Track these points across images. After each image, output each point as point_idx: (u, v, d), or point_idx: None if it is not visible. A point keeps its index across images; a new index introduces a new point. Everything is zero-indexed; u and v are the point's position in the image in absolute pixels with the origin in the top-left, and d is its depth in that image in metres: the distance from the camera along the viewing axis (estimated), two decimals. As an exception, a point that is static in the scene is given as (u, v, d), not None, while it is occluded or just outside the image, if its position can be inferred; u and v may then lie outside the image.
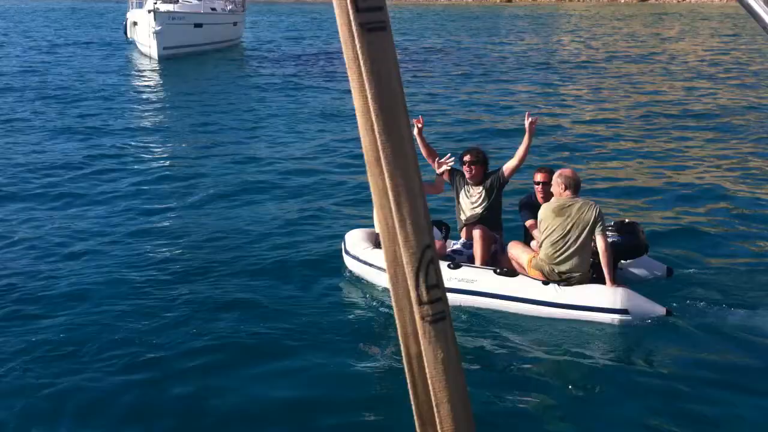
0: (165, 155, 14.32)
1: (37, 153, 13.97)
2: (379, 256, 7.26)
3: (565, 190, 6.94)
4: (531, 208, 7.64)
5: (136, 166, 13.10)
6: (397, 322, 1.27)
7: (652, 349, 6.57)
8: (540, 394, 5.80)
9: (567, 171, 7.22)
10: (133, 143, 15.19)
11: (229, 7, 38.34)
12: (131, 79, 26.60)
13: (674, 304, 6.90)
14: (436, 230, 7.95)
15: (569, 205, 6.88)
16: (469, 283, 7.04)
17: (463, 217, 7.95)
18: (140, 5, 34.20)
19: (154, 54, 30.15)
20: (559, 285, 6.91)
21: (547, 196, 7.32)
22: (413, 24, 56.06)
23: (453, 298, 6.70)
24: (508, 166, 7.75)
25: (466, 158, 7.84)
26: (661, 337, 6.62)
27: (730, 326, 6.72)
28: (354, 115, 1.23)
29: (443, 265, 7.04)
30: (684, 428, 5.33)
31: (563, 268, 6.92)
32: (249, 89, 23.35)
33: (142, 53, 32.52)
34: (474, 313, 6.98)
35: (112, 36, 42.23)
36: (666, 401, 5.70)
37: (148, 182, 11.89)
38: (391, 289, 1.27)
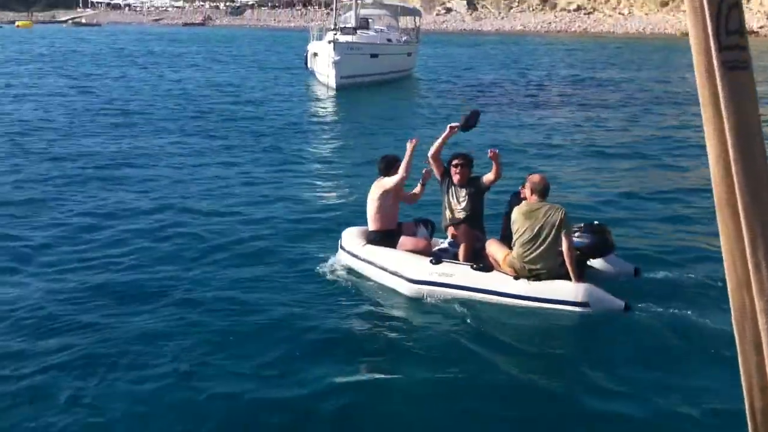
0: (337, 177, 14.78)
1: (222, 166, 15.01)
2: (372, 252, 8.33)
3: (531, 195, 7.66)
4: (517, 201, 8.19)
5: (308, 184, 13.88)
6: (742, 376, 1.20)
7: (609, 339, 7.19)
8: (505, 380, 6.38)
9: (535, 177, 7.84)
10: (306, 165, 15.93)
11: (404, 38, 39.20)
12: (309, 105, 27.98)
13: (639, 305, 7.45)
14: (422, 228, 8.76)
15: (537, 209, 7.55)
16: (449, 277, 7.78)
17: (449, 217, 8.59)
18: (320, 37, 35.69)
19: (332, 83, 31.16)
20: (528, 280, 7.58)
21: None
22: (591, 54, 55.15)
23: (433, 291, 7.79)
24: (487, 178, 8.47)
25: (455, 162, 8.55)
26: (619, 329, 7.24)
27: (685, 322, 7.24)
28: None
29: (425, 260, 7.97)
30: (626, 412, 5.86)
31: (533, 265, 7.58)
32: (419, 118, 23.67)
33: (320, 82, 33.78)
34: (452, 304, 7.65)
35: (294, 64, 44.29)
36: (615, 386, 6.24)
37: (318, 206, 12.19)
38: (737, 340, 1.20)
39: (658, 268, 8.73)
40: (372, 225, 8.62)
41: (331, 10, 41.97)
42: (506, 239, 8.04)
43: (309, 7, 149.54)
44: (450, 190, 8.62)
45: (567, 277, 7.54)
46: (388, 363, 6.74)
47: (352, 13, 37.47)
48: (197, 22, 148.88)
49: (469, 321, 7.38)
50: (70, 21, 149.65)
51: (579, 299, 7.40)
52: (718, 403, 5.90)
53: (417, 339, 7.13)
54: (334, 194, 13.28)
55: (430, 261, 7.96)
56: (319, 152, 17.67)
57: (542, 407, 5.99)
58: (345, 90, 30.80)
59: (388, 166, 8.66)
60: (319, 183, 14.30)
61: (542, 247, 7.49)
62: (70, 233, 10.38)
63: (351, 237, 8.71)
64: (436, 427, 5.75)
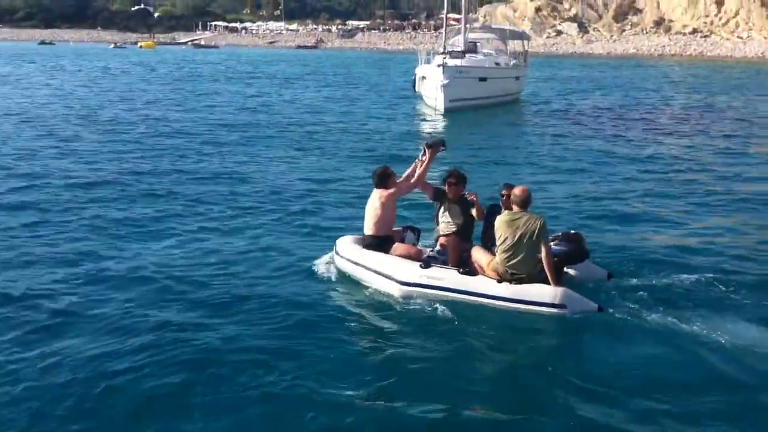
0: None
1: (325, 170, 15.23)
2: (367, 256, 8.93)
3: (514, 206, 8.35)
4: (494, 214, 8.88)
5: None
6: None
7: (584, 339, 7.77)
8: (487, 377, 6.91)
9: (517, 190, 8.45)
10: None
11: (513, 62, 38.96)
12: (416, 127, 28.02)
13: (610, 309, 8.10)
14: (410, 233, 9.52)
15: (518, 218, 8.24)
16: (437, 280, 8.38)
17: (441, 229, 9.27)
18: (428, 61, 35.91)
19: (440, 106, 31.21)
20: (510, 283, 8.19)
21: (508, 207, 8.62)
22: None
23: (422, 293, 8.39)
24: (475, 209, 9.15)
25: (449, 179, 9.29)
26: (592, 330, 7.83)
27: (654, 324, 7.82)
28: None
29: (415, 264, 8.58)
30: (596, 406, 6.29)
31: (514, 270, 8.23)
32: (526, 143, 23.38)
33: (428, 105, 33.92)
34: (439, 305, 8.17)
35: (402, 87, 44.77)
36: (588, 383, 6.66)
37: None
38: None
39: (628, 271, 9.47)
40: (370, 230, 9.18)
41: (440, 33, 42.21)
42: (486, 247, 8.83)
43: (418, 30, 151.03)
44: (443, 206, 9.38)
45: (546, 281, 8.17)
46: (376, 362, 7.11)
47: (460, 36, 37.57)
48: (310, 45, 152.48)
49: (455, 321, 7.92)
50: (189, 43, 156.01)
51: (556, 301, 8.04)
52: (687, 397, 6.49)
53: (405, 337, 7.65)
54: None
55: (420, 265, 8.57)
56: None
57: (520, 402, 6.56)
58: (453, 113, 30.77)
59: (382, 179, 9.28)
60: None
61: (523, 253, 8.20)
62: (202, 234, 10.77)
63: (346, 243, 9.34)
64: (421, 419, 6.06)
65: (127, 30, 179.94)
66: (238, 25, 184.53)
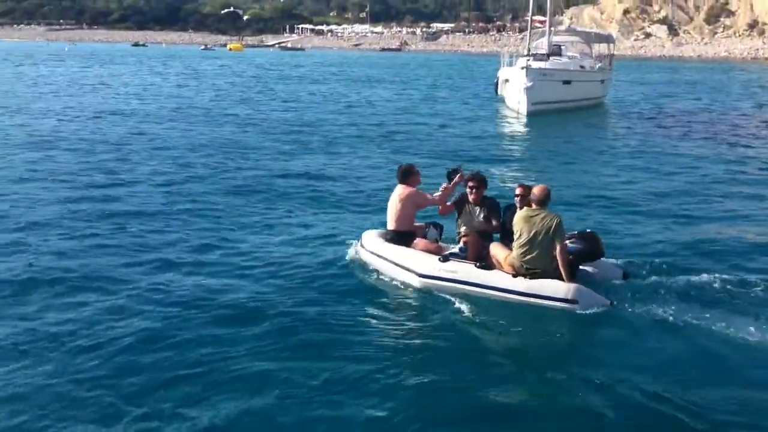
0: None
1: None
2: (389, 249, 9.33)
3: (532, 204, 8.65)
4: (507, 213, 9.41)
5: None
6: None
7: (596, 334, 7.97)
8: (499, 368, 7.07)
9: (536, 189, 8.77)
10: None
11: (598, 65, 38.50)
12: (498, 130, 28.13)
13: (626, 305, 8.32)
14: (432, 229, 9.84)
15: (535, 215, 8.54)
16: (454, 273, 8.74)
17: (463, 229, 9.48)
18: (511, 63, 35.84)
19: (523, 109, 31.14)
20: (525, 278, 8.48)
21: (523, 205, 8.95)
22: None
23: (440, 285, 8.74)
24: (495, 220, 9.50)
25: (470, 183, 9.56)
26: (604, 323, 8.07)
27: (666, 320, 8.01)
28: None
29: (434, 258, 8.97)
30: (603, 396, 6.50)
31: (529, 264, 8.51)
32: (608, 147, 23.10)
33: (510, 108, 33.89)
34: (455, 297, 8.54)
35: (484, 89, 44.80)
36: (599, 376, 6.83)
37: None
38: None
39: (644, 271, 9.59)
40: (392, 225, 9.56)
41: (524, 36, 42.05)
42: (504, 243, 9.07)
43: (503, 33, 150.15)
44: (465, 208, 9.65)
45: (560, 277, 8.43)
46: (392, 350, 7.39)
47: (544, 39, 37.28)
48: (394, 47, 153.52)
49: (472, 313, 8.25)
50: (276, 45, 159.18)
51: (569, 297, 8.28)
52: (695, 391, 6.62)
53: (422, 327, 8.00)
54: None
55: (439, 259, 8.96)
56: (506, 176, 17.77)
57: (531, 393, 6.70)
58: (536, 116, 30.62)
59: (405, 175, 9.67)
60: None
61: (538, 249, 8.48)
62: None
63: (370, 237, 9.78)
64: (434, 404, 6.36)
65: (217, 32, 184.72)
66: (324, 27, 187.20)
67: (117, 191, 14.75)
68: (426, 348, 7.46)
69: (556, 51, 36.44)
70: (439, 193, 9.81)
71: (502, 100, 36.21)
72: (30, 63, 71.85)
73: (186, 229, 11.85)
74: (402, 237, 9.40)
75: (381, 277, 9.32)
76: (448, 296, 8.61)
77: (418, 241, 9.41)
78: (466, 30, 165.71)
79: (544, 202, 8.61)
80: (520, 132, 27.50)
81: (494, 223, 9.48)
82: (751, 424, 6.20)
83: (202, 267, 9.89)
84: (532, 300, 8.39)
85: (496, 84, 37.24)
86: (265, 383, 6.64)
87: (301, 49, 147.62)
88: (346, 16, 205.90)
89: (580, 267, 9.01)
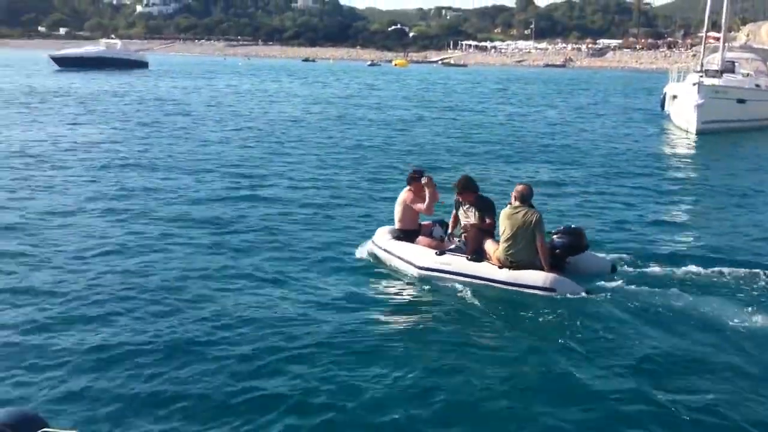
0: (685, 227, 14.02)
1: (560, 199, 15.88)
2: (394, 245, 10.33)
3: (515, 200, 9.52)
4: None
5: (657, 222, 13.94)
6: None
7: (571, 318, 8.50)
8: (486, 351, 7.71)
9: (519, 186, 9.72)
10: (654, 205, 15.80)
11: (775, 84, 36.65)
12: (662, 148, 27.31)
13: (605, 293, 9.14)
14: (438, 227, 10.66)
15: (517, 212, 9.43)
16: (449, 265, 9.70)
17: (461, 226, 10.43)
18: (681, 79, 34.91)
19: (692, 127, 30.08)
20: (509, 269, 9.36)
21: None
22: None
23: (436, 276, 9.69)
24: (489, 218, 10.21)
25: (457, 191, 10.39)
26: (580, 311, 8.68)
27: (643, 309, 8.77)
28: None
29: (432, 252, 9.92)
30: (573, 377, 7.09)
31: (512, 257, 9.41)
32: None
33: (676, 125, 32.98)
34: (449, 286, 9.50)
35: (649, 106, 43.95)
36: (574, 359, 7.49)
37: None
38: None
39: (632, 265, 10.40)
40: (397, 224, 10.68)
41: (697, 52, 40.81)
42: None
43: (673, 49, 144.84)
44: (461, 208, 10.46)
45: (541, 268, 9.32)
46: (389, 330, 8.27)
47: (717, 55, 36.02)
48: (558, 63, 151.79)
49: (461, 299, 9.15)
50: (440, 61, 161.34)
51: (547, 285, 9.16)
52: (665, 375, 7.15)
53: (417, 312, 8.91)
54: (689, 238, 12.89)
55: (436, 253, 9.91)
56: (666, 191, 17.73)
57: (510, 372, 7.25)
58: (705, 135, 29.37)
59: (409, 180, 10.68)
60: (670, 224, 14.09)
61: (521, 243, 9.36)
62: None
63: (381, 233, 10.78)
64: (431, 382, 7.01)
65: (383, 49, 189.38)
66: (487, 44, 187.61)
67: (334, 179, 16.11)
68: (417, 331, 8.32)
69: (729, 68, 34.93)
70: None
71: (668, 117, 35.38)
72: (227, 76, 77.02)
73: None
74: (407, 234, 10.47)
75: (389, 269, 10.31)
76: (443, 285, 9.56)
77: (421, 239, 10.38)
78: (635, 46, 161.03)
79: (525, 199, 9.50)
80: (687, 151, 26.57)
81: (488, 221, 10.20)
82: (727, 412, 6.53)
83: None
84: (515, 288, 9.30)
85: (663, 100, 36.40)
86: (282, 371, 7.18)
87: (464, 65, 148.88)
88: (511, 32, 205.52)
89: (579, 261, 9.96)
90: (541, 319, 8.57)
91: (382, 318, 8.65)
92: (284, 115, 34.89)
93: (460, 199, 10.43)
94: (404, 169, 18.34)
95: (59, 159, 19.73)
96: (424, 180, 10.38)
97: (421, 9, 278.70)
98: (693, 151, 26.63)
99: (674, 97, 33.98)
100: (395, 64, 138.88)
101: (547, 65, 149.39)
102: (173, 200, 14.88)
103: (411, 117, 35.84)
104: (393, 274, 10.14)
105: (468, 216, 10.35)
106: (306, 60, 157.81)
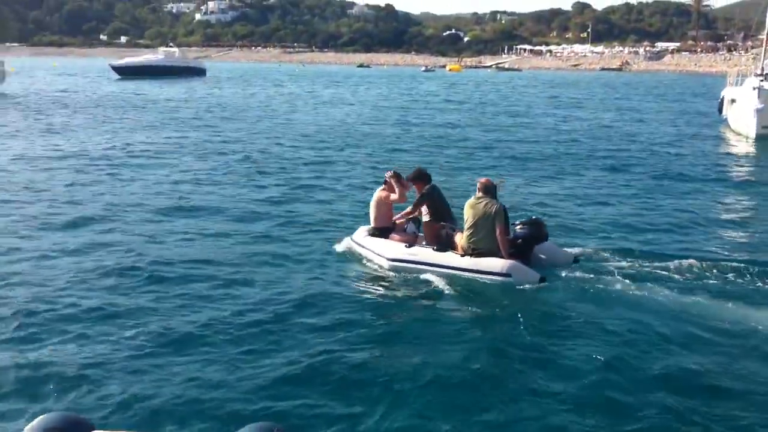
0: (743, 234, 13.70)
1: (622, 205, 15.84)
2: (368, 240, 11.10)
3: (478, 192, 10.21)
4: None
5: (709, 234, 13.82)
6: None
7: (528, 303, 9.22)
8: (444, 332, 8.36)
9: (482, 179, 10.52)
10: (710, 214, 15.47)
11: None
12: (718, 153, 26.56)
13: (561, 282, 9.88)
14: (412, 225, 11.36)
15: (479, 203, 10.07)
16: (415, 256, 10.42)
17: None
18: (739, 83, 34.27)
19: (752, 132, 29.37)
20: (471, 257, 10.00)
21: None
22: None
23: (405, 266, 10.37)
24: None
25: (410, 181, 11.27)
26: (533, 297, 9.43)
27: (594, 295, 9.39)
28: None
29: (402, 245, 10.69)
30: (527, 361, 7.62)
31: (474, 246, 10.06)
32: None
33: (733, 130, 32.35)
34: (415, 274, 10.20)
35: (706, 110, 43.26)
36: (526, 342, 8.06)
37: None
38: None
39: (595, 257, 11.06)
40: (372, 223, 11.40)
41: (757, 54, 40.03)
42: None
43: (733, 52, 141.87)
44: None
45: (500, 256, 9.93)
46: (362, 317, 8.88)
47: (777, 58, 35.26)
48: (614, 67, 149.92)
49: (426, 286, 9.88)
50: (494, 66, 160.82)
51: (504, 271, 9.79)
52: (610, 357, 7.59)
53: (387, 299, 9.57)
54: (744, 252, 12.41)
55: (405, 245, 10.70)
56: (722, 196, 17.49)
57: (460, 354, 7.77)
58: (765, 141, 28.56)
59: (385, 181, 11.41)
60: (724, 236, 13.54)
61: (482, 232, 9.99)
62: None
63: (359, 232, 11.51)
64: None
65: (438, 54, 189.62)
66: (543, 48, 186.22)
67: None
68: (389, 315, 9.00)
69: (790, 72, 34.23)
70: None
71: (725, 122, 34.75)
72: (292, 82, 78.25)
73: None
74: (381, 231, 11.25)
75: (364, 262, 11.05)
76: (410, 273, 10.29)
77: (394, 234, 11.16)
78: (694, 49, 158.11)
79: (487, 191, 10.16)
80: (745, 156, 25.95)
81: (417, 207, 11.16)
82: (680, 394, 6.89)
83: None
84: (476, 275, 9.92)
85: (720, 104, 35.77)
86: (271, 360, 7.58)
87: (518, 69, 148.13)
88: (567, 36, 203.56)
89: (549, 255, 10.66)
90: (494, 304, 9.23)
91: (352, 304, 9.28)
92: (346, 119, 35.37)
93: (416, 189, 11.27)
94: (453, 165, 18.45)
95: (127, 161, 20.56)
96: (388, 174, 11.40)
97: (476, 13, 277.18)
98: (751, 157, 25.98)
99: (732, 101, 33.33)
100: (449, 69, 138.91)
101: (604, 69, 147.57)
102: (237, 197, 15.70)
103: (465, 122, 35.99)
104: (367, 266, 10.88)
105: (422, 213, 11.15)
106: (361, 65, 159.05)
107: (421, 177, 11.19)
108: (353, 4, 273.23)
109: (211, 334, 8.19)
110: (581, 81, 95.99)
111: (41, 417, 2.44)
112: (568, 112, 44.27)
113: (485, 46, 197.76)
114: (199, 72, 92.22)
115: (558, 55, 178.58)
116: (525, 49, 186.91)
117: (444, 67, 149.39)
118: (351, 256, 11.38)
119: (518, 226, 10.54)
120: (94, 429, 2.61)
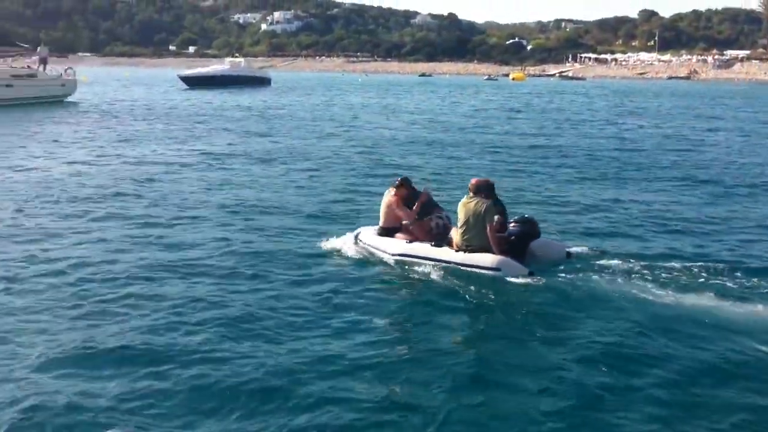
0: None
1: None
2: (374, 239, 11.95)
3: (469, 192, 10.95)
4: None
5: None
6: None
7: (518, 296, 9.88)
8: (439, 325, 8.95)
9: (474, 180, 11.28)
10: None
11: None
12: None
13: (544, 277, 10.35)
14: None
15: (470, 202, 10.78)
16: (415, 251, 11.30)
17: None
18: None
19: None
20: (464, 253, 10.78)
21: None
22: None
23: (405, 260, 11.23)
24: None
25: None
26: (526, 291, 10.04)
27: (582, 290, 9.95)
28: None
29: (403, 242, 11.56)
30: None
31: (467, 242, 10.80)
32: None
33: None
34: (415, 269, 10.99)
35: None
36: (513, 331, 8.68)
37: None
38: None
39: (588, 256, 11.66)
40: (381, 222, 12.23)
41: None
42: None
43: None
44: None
45: (491, 251, 10.62)
46: (365, 305, 9.65)
47: None
48: (681, 76, 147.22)
49: (425, 279, 10.67)
50: (557, 74, 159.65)
51: (493, 266, 10.50)
52: (598, 349, 7.99)
53: (390, 289, 10.42)
54: None
55: (406, 242, 11.55)
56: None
57: (448, 338, 8.49)
58: None
59: (397, 186, 12.10)
60: None
61: (472, 230, 10.72)
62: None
63: (365, 231, 12.39)
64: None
65: (501, 63, 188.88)
66: (608, 56, 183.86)
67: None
68: (389, 304, 9.77)
69: None
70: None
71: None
72: (353, 91, 79.28)
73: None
74: (387, 231, 12.09)
75: (371, 258, 11.84)
76: (410, 267, 11.11)
77: (398, 235, 11.91)
78: (765, 57, 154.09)
79: (478, 190, 10.91)
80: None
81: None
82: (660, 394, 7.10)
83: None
84: (468, 269, 10.67)
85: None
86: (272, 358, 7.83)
87: (582, 78, 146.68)
88: (633, 44, 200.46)
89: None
90: (483, 296, 9.90)
91: (358, 293, 10.13)
92: (405, 129, 35.86)
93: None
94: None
95: (196, 165, 21.37)
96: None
97: (540, 22, 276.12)
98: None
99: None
100: (512, 78, 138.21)
101: (671, 77, 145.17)
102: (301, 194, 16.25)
103: (528, 130, 36.11)
104: (371, 260, 11.71)
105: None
106: (423, 75, 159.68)
107: (405, 185, 12.12)
108: (416, 13, 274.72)
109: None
110: (648, 90, 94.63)
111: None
112: (641, 121, 43.82)
113: (549, 55, 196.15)
114: (263, 82, 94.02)
115: (623, 63, 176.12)
116: (589, 58, 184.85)
117: (507, 75, 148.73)
118: (355, 253, 12.14)
119: (511, 225, 11.35)
120: None
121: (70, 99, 53.42)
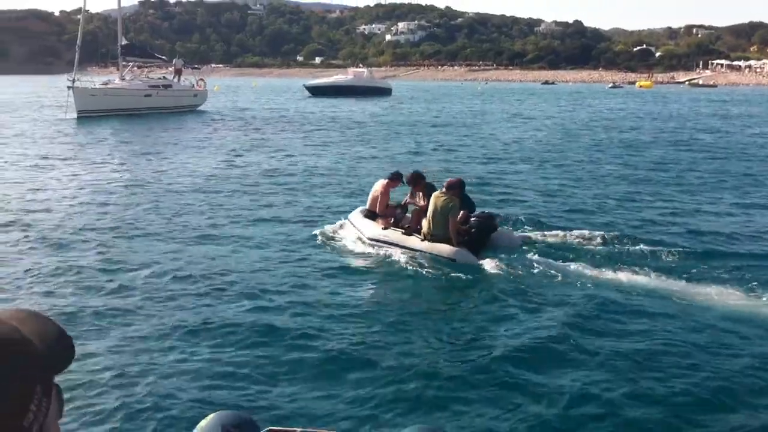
0: None
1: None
2: (358, 221, 13.61)
3: (443, 188, 12.27)
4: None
5: None
6: None
7: (469, 282, 11.12)
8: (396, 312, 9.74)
9: (449, 179, 12.74)
10: None
11: None
12: None
13: (491, 267, 11.66)
14: (401, 211, 13.76)
15: (439, 197, 12.05)
16: (387, 237, 12.84)
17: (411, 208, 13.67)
18: None
19: None
20: (429, 242, 12.22)
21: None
22: None
23: (379, 245, 12.72)
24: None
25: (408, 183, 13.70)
26: (478, 278, 11.30)
27: (528, 276, 11.23)
28: None
29: (379, 227, 13.12)
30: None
31: (432, 232, 12.22)
32: None
33: None
34: (387, 251, 12.54)
35: None
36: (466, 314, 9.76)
37: None
38: None
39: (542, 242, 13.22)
40: (368, 206, 13.87)
41: None
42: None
43: None
44: (416, 195, 13.50)
45: (452, 243, 12.02)
46: (340, 282, 11.07)
47: None
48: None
49: (393, 263, 12.08)
50: (687, 82, 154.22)
51: (450, 256, 11.96)
52: (531, 334, 8.70)
53: (365, 267, 11.95)
54: None
55: (381, 228, 13.10)
56: None
57: (396, 315, 9.50)
58: None
59: (390, 176, 13.86)
60: None
61: (439, 222, 12.06)
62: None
63: (355, 213, 14.05)
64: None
65: (627, 70, 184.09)
66: (741, 63, 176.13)
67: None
68: (362, 282, 11.17)
69: None
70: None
71: None
72: (473, 99, 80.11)
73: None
74: (372, 215, 13.62)
75: (353, 239, 13.46)
76: (383, 251, 12.58)
77: (379, 219, 13.44)
78: None
79: (452, 187, 12.24)
80: None
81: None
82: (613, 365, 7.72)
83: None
84: (431, 255, 12.05)
85: None
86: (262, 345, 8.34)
87: (713, 85, 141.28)
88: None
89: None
90: (442, 281, 11.24)
91: (328, 274, 11.44)
92: (526, 136, 36.36)
93: (413, 189, 13.55)
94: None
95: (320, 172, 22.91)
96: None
97: (669, 28, 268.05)
98: None
99: None
100: (639, 86, 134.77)
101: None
102: None
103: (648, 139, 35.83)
104: (351, 242, 13.32)
105: (418, 200, 13.33)
106: (545, 83, 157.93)
107: (419, 180, 13.42)
108: (541, 21, 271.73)
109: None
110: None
111: (215, 414, 2.38)
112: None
113: (678, 62, 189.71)
114: (384, 91, 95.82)
115: (758, 70, 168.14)
116: (721, 65, 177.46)
117: (633, 83, 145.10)
118: (339, 234, 13.86)
119: (472, 219, 12.89)
120: (260, 430, 2.50)
121: (201, 108, 56.77)
